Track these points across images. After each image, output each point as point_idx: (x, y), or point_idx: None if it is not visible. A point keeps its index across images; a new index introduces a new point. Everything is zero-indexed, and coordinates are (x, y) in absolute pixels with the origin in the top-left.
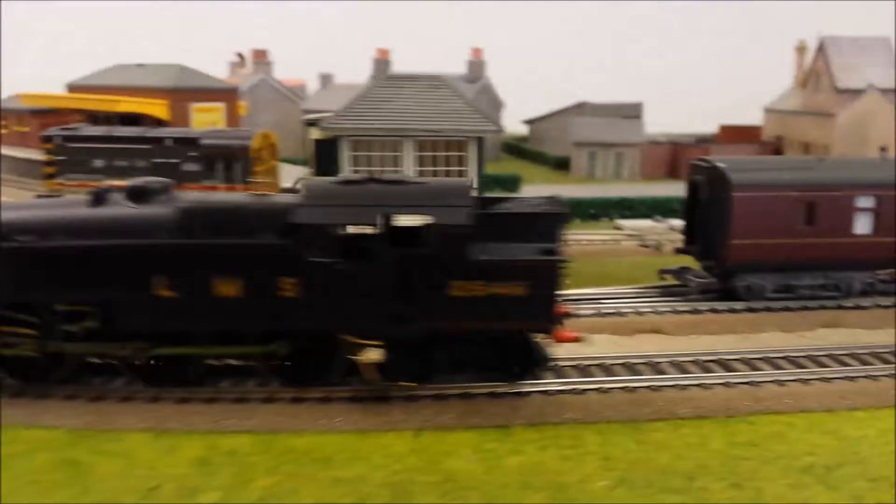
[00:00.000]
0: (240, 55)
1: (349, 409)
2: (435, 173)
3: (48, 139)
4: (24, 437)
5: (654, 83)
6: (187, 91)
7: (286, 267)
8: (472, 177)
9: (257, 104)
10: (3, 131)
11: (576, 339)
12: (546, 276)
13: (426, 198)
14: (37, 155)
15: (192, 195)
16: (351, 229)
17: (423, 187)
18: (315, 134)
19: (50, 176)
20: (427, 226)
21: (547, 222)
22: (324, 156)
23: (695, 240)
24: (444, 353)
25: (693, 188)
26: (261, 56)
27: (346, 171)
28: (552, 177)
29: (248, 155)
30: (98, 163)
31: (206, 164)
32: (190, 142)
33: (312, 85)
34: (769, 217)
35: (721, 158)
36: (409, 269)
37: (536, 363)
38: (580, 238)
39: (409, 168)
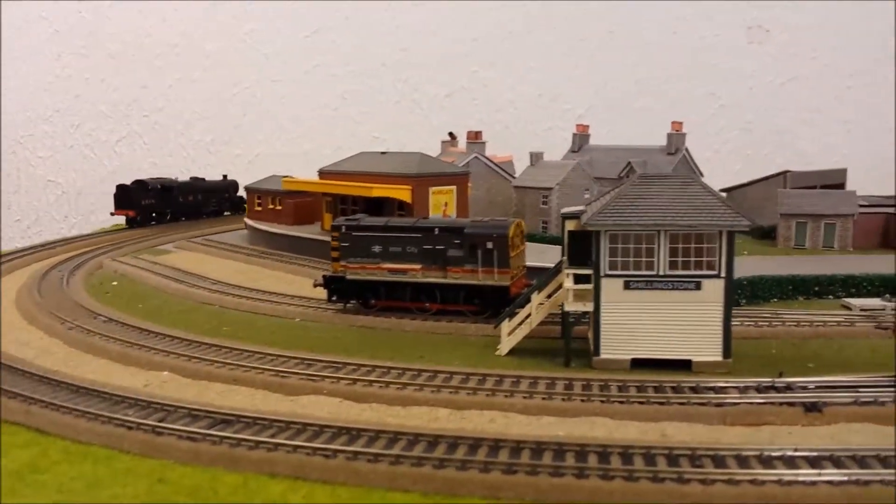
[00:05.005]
0: (451, 134)
1: None
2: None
3: (336, 228)
4: None
5: None
6: (428, 176)
7: None
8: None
9: (472, 179)
10: (258, 208)
11: None
12: None
13: None
14: (284, 230)
15: None
16: None
17: None
18: (570, 226)
19: (336, 259)
20: None
21: None
22: (576, 245)
23: None
24: None
25: None
26: (475, 136)
27: (604, 260)
28: (757, 248)
29: (506, 242)
30: (376, 248)
31: (468, 251)
32: (455, 230)
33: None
34: None
35: None
36: None
37: None
38: (812, 319)
39: (664, 259)
